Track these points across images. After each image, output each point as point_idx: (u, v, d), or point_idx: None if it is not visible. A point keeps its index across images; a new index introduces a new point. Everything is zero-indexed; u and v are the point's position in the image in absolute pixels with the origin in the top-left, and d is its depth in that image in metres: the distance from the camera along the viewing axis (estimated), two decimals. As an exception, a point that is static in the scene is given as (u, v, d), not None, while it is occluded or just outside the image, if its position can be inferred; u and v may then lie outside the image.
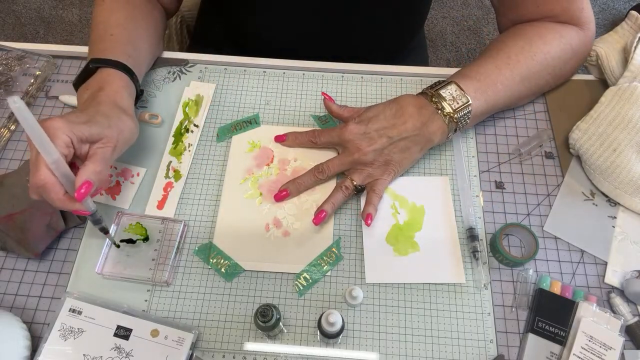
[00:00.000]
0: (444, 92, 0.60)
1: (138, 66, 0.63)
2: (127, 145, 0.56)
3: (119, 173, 0.64)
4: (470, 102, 0.60)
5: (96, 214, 0.52)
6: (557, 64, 0.65)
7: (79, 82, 0.60)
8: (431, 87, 0.62)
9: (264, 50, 0.75)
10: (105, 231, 0.55)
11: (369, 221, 0.58)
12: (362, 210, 0.60)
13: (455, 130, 0.62)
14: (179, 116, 0.68)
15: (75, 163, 0.51)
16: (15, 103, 0.40)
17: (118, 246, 0.58)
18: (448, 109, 0.60)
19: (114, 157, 0.53)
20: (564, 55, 0.65)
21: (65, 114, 0.52)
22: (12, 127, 0.67)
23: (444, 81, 0.62)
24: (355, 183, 0.60)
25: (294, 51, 0.74)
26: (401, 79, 0.72)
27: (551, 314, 0.54)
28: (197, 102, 0.69)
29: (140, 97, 0.65)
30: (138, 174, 0.64)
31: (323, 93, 0.68)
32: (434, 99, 0.60)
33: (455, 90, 0.60)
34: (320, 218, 0.58)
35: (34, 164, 0.46)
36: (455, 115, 0.60)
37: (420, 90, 0.66)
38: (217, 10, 0.83)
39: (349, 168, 0.61)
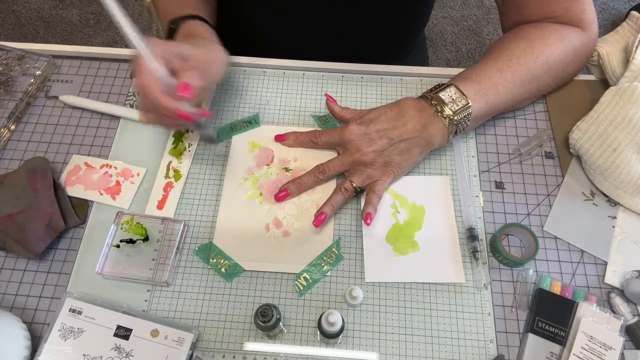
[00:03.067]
0: (444, 95, 0.60)
1: (211, 20, 0.67)
2: (222, 69, 0.60)
3: (118, 173, 0.64)
4: (470, 104, 0.60)
5: (197, 116, 0.54)
6: (559, 67, 0.65)
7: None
8: (431, 90, 0.62)
9: (264, 50, 0.75)
10: (211, 140, 0.60)
11: (369, 221, 0.58)
12: (361, 210, 0.60)
13: (456, 133, 0.62)
14: (179, 116, 0.68)
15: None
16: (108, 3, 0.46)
17: (213, 140, 0.61)
18: (448, 112, 0.60)
19: (205, 78, 0.55)
20: (566, 58, 0.65)
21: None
22: (12, 127, 0.67)
23: (443, 84, 0.62)
24: (354, 185, 0.60)
25: (294, 51, 0.74)
26: (401, 79, 0.72)
27: (551, 314, 0.54)
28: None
29: None
30: (138, 174, 0.64)
31: (326, 94, 0.68)
32: (433, 102, 0.60)
33: (455, 93, 0.60)
34: (319, 220, 0.58)
35: (137, 69, 0.52)
36: (455, 118, 0.60)
37: (420, 91, 0.66)
38: (220, 13, 0.83)
39: (349, 168, 0.61)
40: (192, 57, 0.55)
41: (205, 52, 0.57)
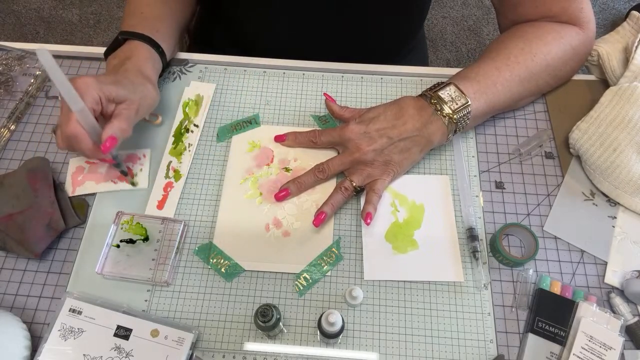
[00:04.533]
0: (443, 94, 0.60)
1: (165, 41, 0.67)
2: (149, 110, 0.62)
3: (125, 160, 0.64)
4: (469, 103, 0.60)
5: (117, 159, 0.59)
6: (557, 65, 0.65)
7: (108, 52, 0.65)
8: (430, 88, 0.62)
9: (263, 50, 0.75)
10: (125, 174, 0.61)
11: (369, 220, 0.58)
12: (361, 209, 0.60)
13: (455, 132, 0.62)
14: (179, 116, 0.68)
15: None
16: (43, 55, 0.44)
17: (125, 173, 0.61)
18: (447, 110, 0.60)
19: (135, 120, 0.58)
20: (564, 56, 0.65)
21: (96, 75, 0.57)
22: (12, 127, 0.67)
23: (443, 83, 0.62)
24: (354, 184, 0.60)
25: (293, 51, 0.74)
26: (401, 79, 0.72)
27: (551, 314, 0.54)
28: (197, 102, 0.69)
29: (166, 69, 0.70)
30: (144, 155, 0.65)
31: (325, 94, 0.68)
32: (432, 101, 0.60)
33: (455, 92, 0.60)
34: (320, 220, 0.58)
35: (65, 117, 0.52)
36: (455, 116, 0.60)
37: (419, 91, 0.66)
38: (216, 10, 0.83)
39: (349, 167, 0.61)
40: (123, 100, 0.56)
41: (141, 97, 0.58)
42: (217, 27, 0.86)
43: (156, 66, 0.65)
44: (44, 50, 0.45)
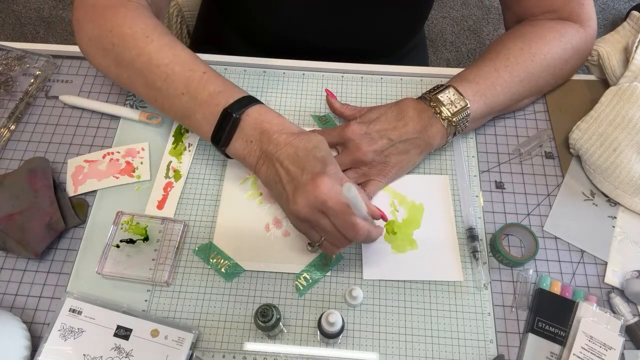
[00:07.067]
0: (442, 97, 0.60)
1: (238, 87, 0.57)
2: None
3: (124, 155, 0.64)
4: (468, 105, 0.60)
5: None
6: (557, 64, 0.65)
7: (220, 136, 0.54)
8: (430, 91, 0.62)
9: (264, 46, 0.75)
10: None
11: None
12: None
13: (455, 134, 0.62)
14: (179, 116, 0.68)
15: None
16: (350, 192, 0.44)
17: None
18: (446, 113, 0.60)
19: None
20: (564, 55, 0.65)
21: (324, 171, 0.50)
22: (12, 127, 0.67)
23: (442, 85, 0.62)
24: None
25: (294, 46, 0.74)
26: (401, 79, 0.72)
27: (551, 314, 0.54)
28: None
29: None
30: (143, 149, 0.65)
31: (326, 90, 0.68)
32: (432, 104, 0.60)
33: (454, 94, 0.60)
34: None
35: (351, 224, 0.48)
36: (454, 119, 0.60)
37: (419, 91, 0.66)
38: (219, 8, 0.83)
39: (349, 168, 0.61)
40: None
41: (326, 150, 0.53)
42: (219, 26, 0.86)
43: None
44: (350, 186, 0.44)
